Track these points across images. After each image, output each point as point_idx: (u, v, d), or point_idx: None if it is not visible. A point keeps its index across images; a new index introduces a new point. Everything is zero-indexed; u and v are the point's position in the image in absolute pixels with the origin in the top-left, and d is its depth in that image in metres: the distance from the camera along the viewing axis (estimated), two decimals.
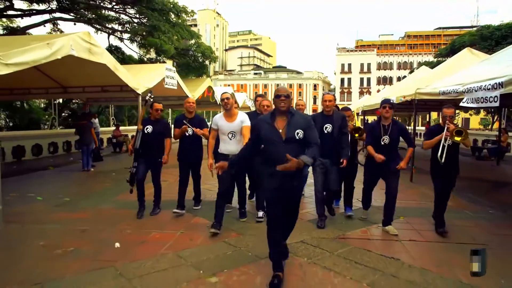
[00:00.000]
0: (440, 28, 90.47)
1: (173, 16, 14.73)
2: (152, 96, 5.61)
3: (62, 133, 14.85)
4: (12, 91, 9.96)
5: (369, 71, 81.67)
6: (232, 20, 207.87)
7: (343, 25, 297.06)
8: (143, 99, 5.48)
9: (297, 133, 3.24)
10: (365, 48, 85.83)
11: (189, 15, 15.91)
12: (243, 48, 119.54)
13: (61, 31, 16.57)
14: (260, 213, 5.51)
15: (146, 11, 13.37)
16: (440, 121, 4.97)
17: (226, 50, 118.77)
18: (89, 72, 7.77)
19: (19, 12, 14.85)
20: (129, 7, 13.95)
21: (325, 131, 4.94)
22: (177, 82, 10.41)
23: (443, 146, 4.59)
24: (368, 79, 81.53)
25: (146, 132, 5.41)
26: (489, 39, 19.41)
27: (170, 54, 14.39)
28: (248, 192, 6.16)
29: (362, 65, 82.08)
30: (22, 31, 15.62)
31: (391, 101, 5.11)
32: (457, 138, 4.55)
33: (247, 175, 5.88)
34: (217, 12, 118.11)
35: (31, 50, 5.08)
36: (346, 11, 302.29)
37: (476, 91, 5.60)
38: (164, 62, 13.62)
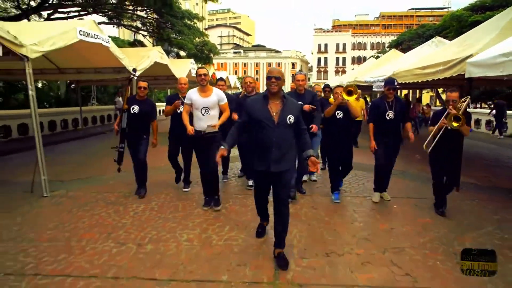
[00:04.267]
0: (413, 8, 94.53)
1: (186, 20, 19.32)
2: (136, 74, 5.51)
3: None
4: (10, 71, 10.16)
5: (344, 51, 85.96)
6: None
7: (321, 3, 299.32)
8: (127, 78, 5.31)
9: (289, 118, 3.21)
10: (341, 28, 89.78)
11: (200, 20, 20.61)
12: (222, 27, 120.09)
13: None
14: (250, 182, 5.96)
15: (171, 19, 17.92)
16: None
17: (205, 29, 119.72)
18: (85, 55, 8.84)
19: (49, 11, 18.73)
20: (152, 12, 18.44)
21: None
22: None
23: (439, 135, 4.57)
24: (344, 59, 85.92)
25: (132, 112, 5.30)
26: (422, 37, 24.57)
27: (192, 51, 19.01)
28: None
29: (338, 45, 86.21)
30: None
31: (395, 83, 5.26)
32: (454, 124, 4.32)
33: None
34: None
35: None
36: None
37: (376, 82, 10.54)
38: (178, 53, 18.20)
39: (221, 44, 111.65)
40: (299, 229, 4.23)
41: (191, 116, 4.82)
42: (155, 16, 18.44)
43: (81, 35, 6.58)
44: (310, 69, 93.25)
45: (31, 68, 5.39)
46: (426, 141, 4.62)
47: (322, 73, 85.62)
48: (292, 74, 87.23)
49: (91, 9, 18.53)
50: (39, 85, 19.83)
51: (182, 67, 13.92)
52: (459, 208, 5.10)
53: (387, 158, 5.28)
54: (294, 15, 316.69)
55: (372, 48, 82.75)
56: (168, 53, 19.21)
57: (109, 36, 8.16)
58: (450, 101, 4.46)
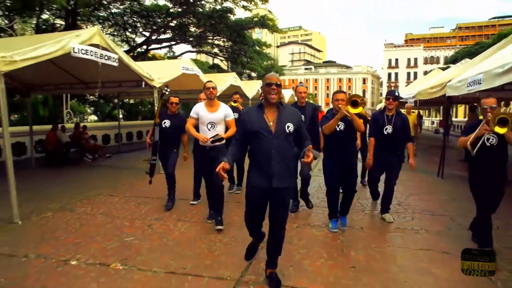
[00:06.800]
0: (495, 17, 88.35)
1: (256, 47, 23.27)
2: (168, 90, 5.65)
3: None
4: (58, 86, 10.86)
5: (415, 65, 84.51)
6: (282, 16, 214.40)
7: (393, 16, 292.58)
8: (159, 92, 5.57)
9: (288, 127, 2.96)
10: (413, 42, 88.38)
11: (267, 46, 24.37)
12: (294, 44, 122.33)
13: (174, 52, 25.35)
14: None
15: (243, 47, 21.89)
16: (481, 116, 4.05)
17: (277, 46, 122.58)
18: (179, 80, 10.57)
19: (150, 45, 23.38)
20: (227, 41, 22.62)
21: None
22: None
23: (482, 142, 3.66)
24: (415, 73, 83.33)
25: (164, 126, 5.49)
26: (474, 54, 25.01)
27: (261, 73, 22.84)
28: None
29: (409, 60, 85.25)
30: (147, 52, 24.17)
31: (396, 93, 5.02)
32: (500, 130, 3.38)
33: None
34: (268, 10, 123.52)
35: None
36: (396, 2, 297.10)
37: (408, 99, 12.59)
38: (249, 75, 22.12)
39: (292, 61, 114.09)
40: None
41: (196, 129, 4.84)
42: (230, 43, 22.37)
43: (183, 69, 9.88)
44: (381, 84, 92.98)
45: (156, 93, 8.73)
46: (469, 141, 3.73)
47: (392, 88, 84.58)
48: (363, 89, 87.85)
49: (179, 41, 22.82)
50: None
51: (252, 87, 17.13)
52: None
53: (380, 173, 5.27)
54: (365, 30, 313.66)
55: (446, 62, 79.70)
56: (240, 74, 22.89)
57: (191, 59, 11.73)
58: (488, 108, 3.66)
